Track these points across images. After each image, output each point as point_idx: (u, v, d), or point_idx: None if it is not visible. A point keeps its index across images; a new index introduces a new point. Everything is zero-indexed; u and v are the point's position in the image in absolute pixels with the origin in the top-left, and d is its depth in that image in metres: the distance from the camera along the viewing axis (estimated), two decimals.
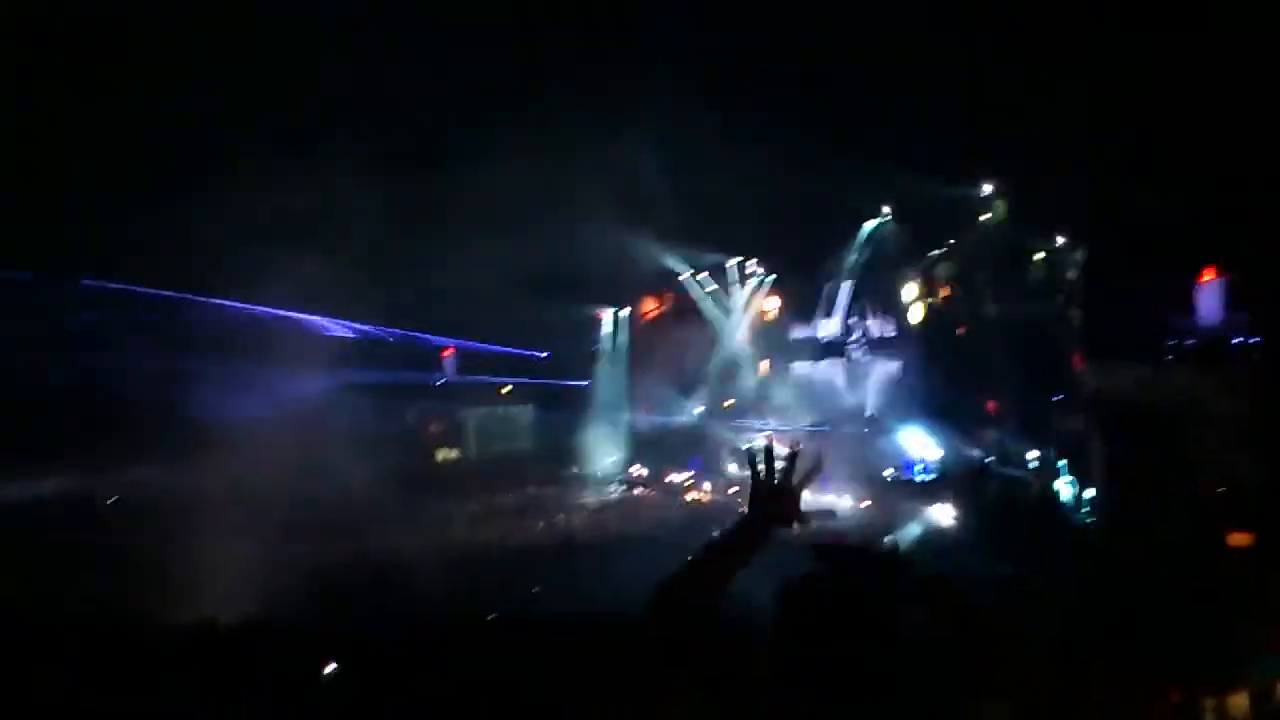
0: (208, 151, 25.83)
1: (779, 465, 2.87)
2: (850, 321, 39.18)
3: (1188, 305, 30.99)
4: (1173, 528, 21.82)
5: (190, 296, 29.70)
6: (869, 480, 32.69)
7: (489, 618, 18.47)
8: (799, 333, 39.95)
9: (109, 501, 29.26)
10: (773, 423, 37.04)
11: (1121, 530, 23.73)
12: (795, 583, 2.30)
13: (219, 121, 26.34)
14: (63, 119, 26.04)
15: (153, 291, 29.72)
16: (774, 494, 2.78)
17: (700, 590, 2.54)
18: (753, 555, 2.67)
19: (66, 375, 26.61)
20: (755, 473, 2.79)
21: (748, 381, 39.87)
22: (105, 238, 26.50)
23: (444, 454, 38.13)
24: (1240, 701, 16.21)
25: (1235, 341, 28.83)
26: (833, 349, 39.34)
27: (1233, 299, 30.26)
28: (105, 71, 25.82)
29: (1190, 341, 30.39)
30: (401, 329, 35.48)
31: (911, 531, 28.96)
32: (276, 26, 26.23)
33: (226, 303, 29.91)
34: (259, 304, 29.54)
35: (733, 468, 34.95)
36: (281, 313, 29.92)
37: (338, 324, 30.09)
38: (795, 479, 2.81)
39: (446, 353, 40.51)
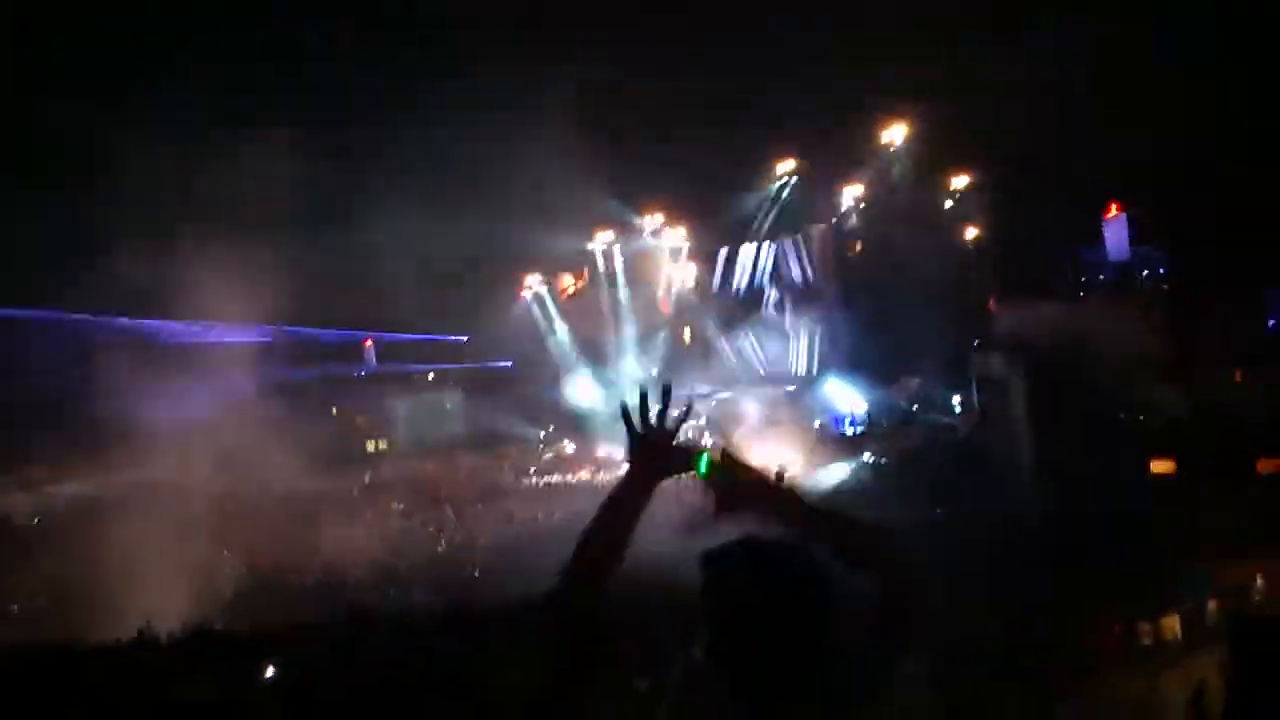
0: (102, 152, 25.10)
1: (652, 412, 2.77)
2: (766, 281, 39.36)
3: (1096, 241, 31.57)
4: (1096, 461, 22.22)
5: (93, 315, 29.05)
6: (799, 437, 32.88)
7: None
8: (717, 295, 40.04)
9: (33, 521, 28.63)
10: (700, 388, 37.19)
11: (1047, 467, 24.12)
12: (715, 549, 2.31)
13: (111, 117, 25.70)
14: None
15: (57, 314, 29.21)
16: (648, 441, 2.69)
17: (604, 550, 2.51)
18: (641, 507, 2.61)
19: None
20: (629, 423, 2.71)
21: (671, 349, 39.86)
22: None
23: (373, 445, 37.78)
24: (1172, 624, 16.69)
25: (1144, 275, 29.40)
26: (751, 310, 39.49)
27: (1138, 233, 30.87)
28: None
29: (1100, 277, 30.96)
30: (318, 326, 35.00)
31: (840, 480, 29.25)
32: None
33: (134, 320, 29.34)
34: (166, 316, 28.98)
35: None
36: (194, 324, 29.40)
37: (252, 328, 29.53)
38: (668, 424, 2.73)
39: (366, 344, 40.10)
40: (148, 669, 16.39)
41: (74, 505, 27.90)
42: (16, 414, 26.16)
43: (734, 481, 2.59)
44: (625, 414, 2.70)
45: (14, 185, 25.54)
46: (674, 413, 2.69)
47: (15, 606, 23.10)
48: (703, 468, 2.66)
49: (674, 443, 2.66)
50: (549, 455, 37.96)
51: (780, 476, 2.66)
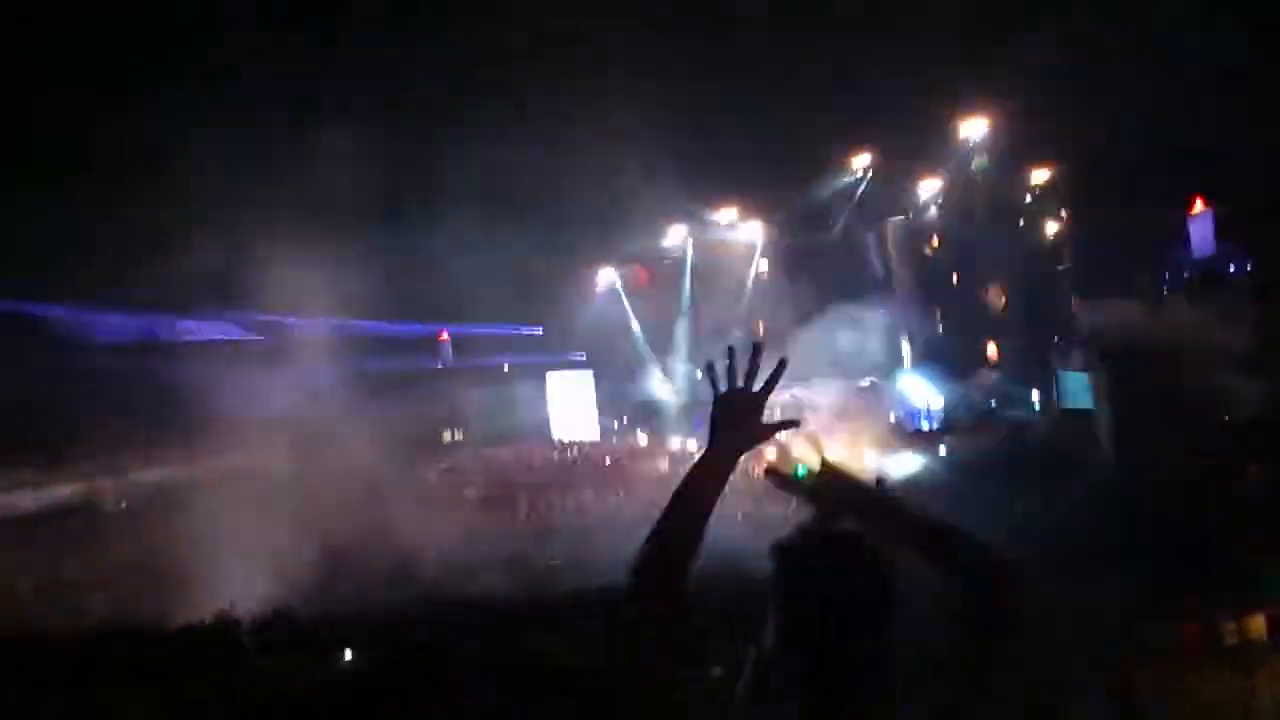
0: (170, 151, 25.54)
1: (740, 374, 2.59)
2: (843, 275, 39.07)
3: (1180, 239, 30.95)
4: (1181, 461, 21.84)
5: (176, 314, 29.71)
6: (875, 432, 32.68)
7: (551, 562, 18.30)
8: (791, 289, 39.85)
9: (120, 506, 29.33)
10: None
11: (1131, 466, 23.75)
12: (785, 540, 2.29)
13: (177, 113, 26.15)
14: None
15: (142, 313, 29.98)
16: (734, 402, 2.54)
17: (679, 539, 2.41)
18: (721, 483, 2.45)
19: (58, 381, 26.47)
20: (714, 382, 2.56)
21: (744, 342, 39.73)
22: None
23: (449, 434, 38.19)
24: (1258, 624, 16.32)
25: (1230, 271, 28.78)
26: (825, 303, 39.22)
27: (1222, 229, 30.21)
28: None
29: (1185, 274, 30.37)
30: (395, 320, 35.46)
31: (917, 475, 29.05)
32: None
33: (212, 314, 29.95)
34: (249, 310, 29.53)
35: None
36: (277, 318, 29.95)
37: (333, 322, 29.97)
38: (759, 384, 2.58)
39: (442, 337, 40.54)
40: (229, 651, 16.78)
41: (159, 492, 28.52)
42: (103, 402, 26.76)
43: (833, 490, 2.48)
44: (711, 371, 2.59)
45: (96, 181, 26.12)
46: (764, 376, 2.59)
47: (100, 591, 23.58)
48: (800, 473, 2.53)
49: (763, 408, 2.55)
50: (622, 446, 38.14)
51: (880, 483, 2.47)
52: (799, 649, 2.18)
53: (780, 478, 2.54)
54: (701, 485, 2.48)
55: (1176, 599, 16.51)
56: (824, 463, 2.57)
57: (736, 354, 2.59)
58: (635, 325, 41.26)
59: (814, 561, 2.20)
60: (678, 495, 2.48)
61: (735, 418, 2.56)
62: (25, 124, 25.29)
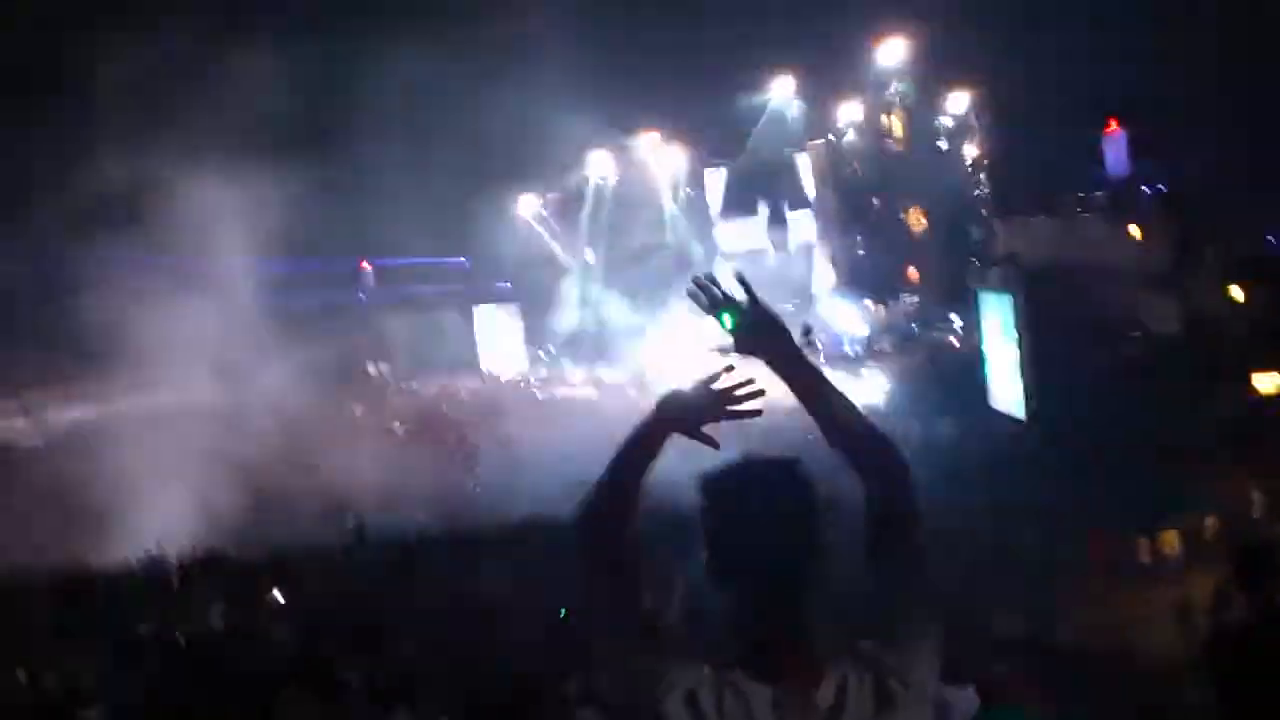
0: (88, 72, 24.78)
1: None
2: (762, 199, 39.14)
3: (1095, 158, 31.42)
4: (1099, 380, 22.33)
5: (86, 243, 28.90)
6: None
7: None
8: (713, 215, 39.91)
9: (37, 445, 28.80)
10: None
11: (1046, 387, 24.25)
12: (713, 472, 2.31)
13: (100, 34, 25.39)
14: None
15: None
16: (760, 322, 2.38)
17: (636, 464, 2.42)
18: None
19: None
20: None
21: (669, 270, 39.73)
22: None
23: (374, 368, 37.88)
24: (1171, 540, 16.88)
25: (1144, 190, 29.28)
26: (747, 229, 39.33)
27: (1137, 149, 30.70)
28: None
29: (1099, 194, 30.84)
30: (316, 253, 34.88)
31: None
32: None
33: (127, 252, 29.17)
34: (160, 248, 28.80)
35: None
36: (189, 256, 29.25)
37: (250, 254, 29.36)
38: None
39: (363, 265, 39.99)
40: (157, 591, 16.67)
41: (77, 429, 28.06)
42: (16, 338, 26.20)
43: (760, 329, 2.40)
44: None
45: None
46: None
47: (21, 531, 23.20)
48: (729, 323, 2.41)
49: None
50: (549, 376, 38.14)
51: (808, 332, 2.46)
52: (730, 580, 2.22)
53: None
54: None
55: (1092, 517, 16.99)
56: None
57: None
58: (560, 253, 41.05)
59: (742, 490, 2.23)
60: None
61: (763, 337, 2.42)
62: None
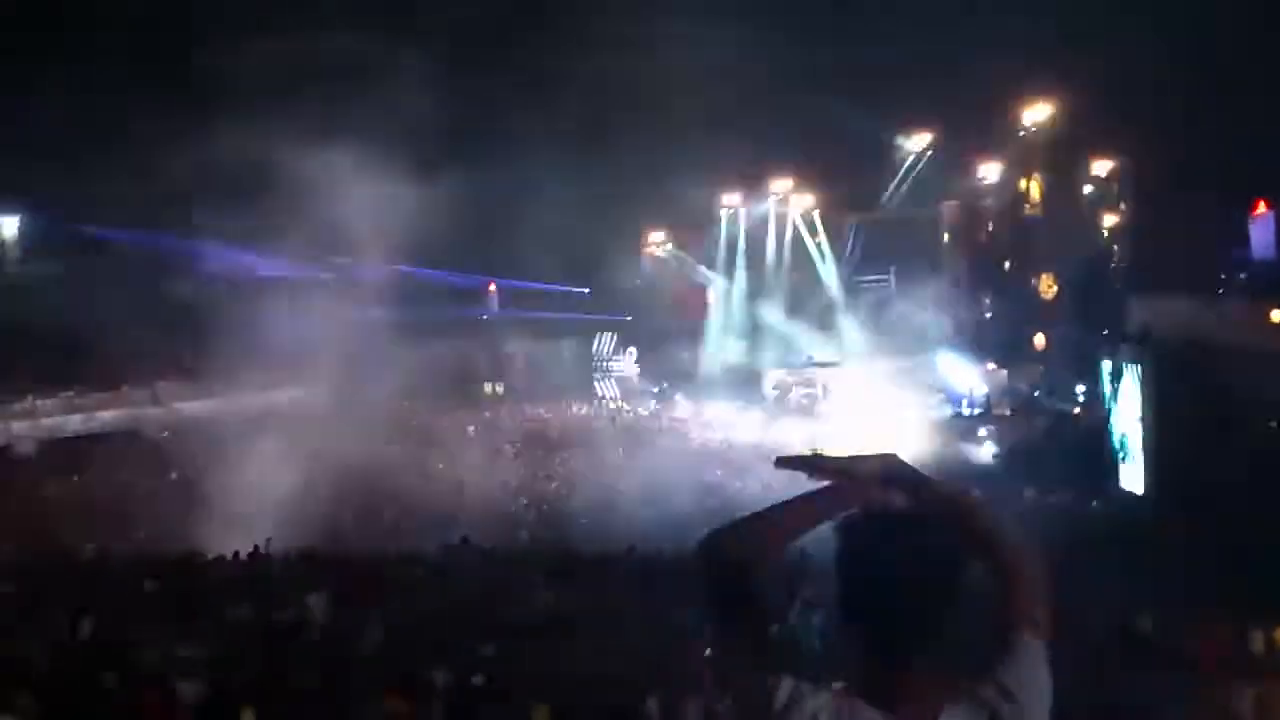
0: (236, 90, 25.81)
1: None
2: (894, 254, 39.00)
3: (1240, 239, 30.52)
4: (1228, 465, 21.57)
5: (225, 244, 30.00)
6: (916, 413, 32.65)
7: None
8: (842, 265, 39.83)
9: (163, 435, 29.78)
10: (820, 356, 37.22)
11: (1169, 464, 23.54)
12: (855, 518, 2.32)
13: (238, 53, 26.42)
14: None
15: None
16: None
17: (761, 536, 2.45)
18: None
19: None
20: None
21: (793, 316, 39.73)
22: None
23: (490, 388, 38.50)
24: None
25: None
26: (876, 281, 39.19)
27: None
28: None
29: (1243, 275, 29.94)
30: (446, 268, 35.73)
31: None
32: None
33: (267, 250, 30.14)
34: (298, 250, 29.70)
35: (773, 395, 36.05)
36: (326, 259, 30.20)
37: (383, 265, 30.15)
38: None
39: (490, 288, 40.79)
40: (260, 580, 17.05)
41: (205, 422, 28.96)
42: (152, 334, 27.15)
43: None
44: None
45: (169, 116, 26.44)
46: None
47: (142, 516, 24.00)
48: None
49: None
50: (660, 408, 38.33)
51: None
52: (859, 618, 2.25)
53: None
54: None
55: (1206, 605, 16.39)
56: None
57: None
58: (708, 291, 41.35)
59: (879, 540, 2.25)
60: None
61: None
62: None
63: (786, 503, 2.42)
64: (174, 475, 26.55)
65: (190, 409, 30.11)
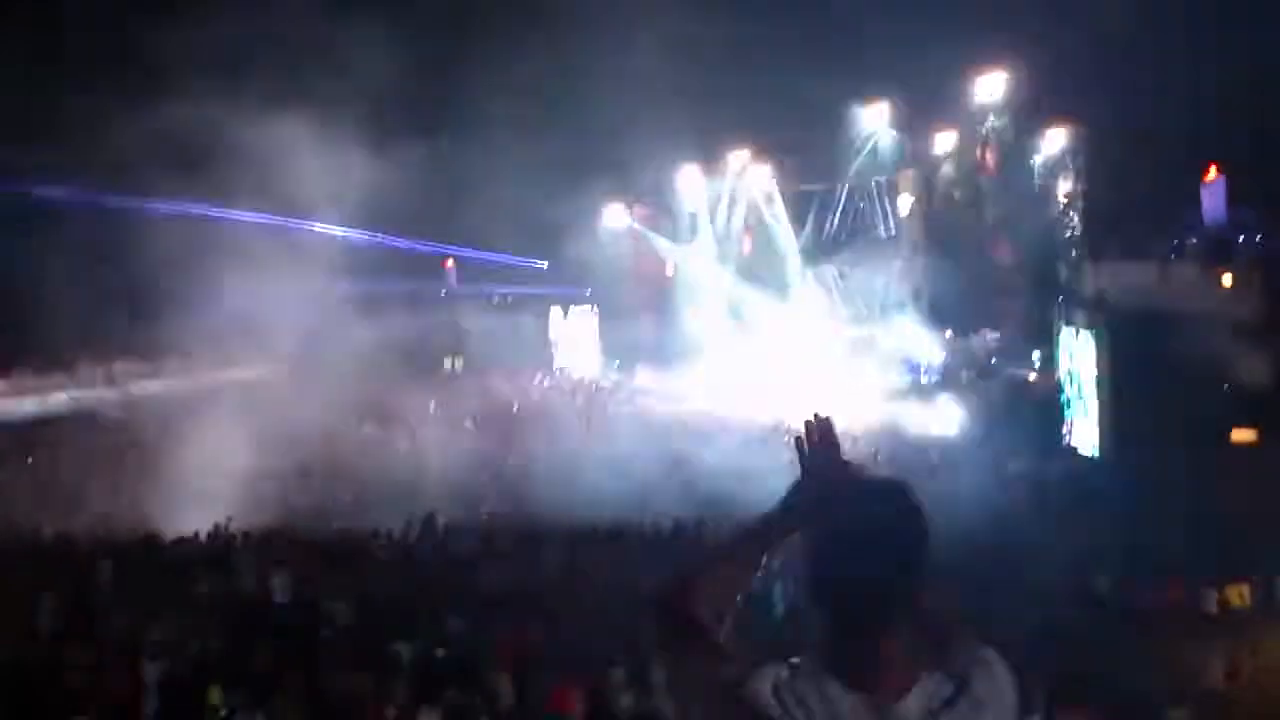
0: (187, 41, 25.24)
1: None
2: (852, 224, 39.17)
3: (1191, 204, 30.81)
4: (1177, 426, 21.88)
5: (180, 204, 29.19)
6: (875, 382, 32.95)
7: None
8: (800, 235, 39.89)
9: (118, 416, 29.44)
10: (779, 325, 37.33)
11: (1125, 428, 23.86)
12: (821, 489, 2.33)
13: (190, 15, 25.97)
14: None
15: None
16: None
17: (717, 586, 2.44)
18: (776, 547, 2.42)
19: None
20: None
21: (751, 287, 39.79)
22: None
23: (449, 361, 38.37)
24: (1240, 592, 16.46)
25: (1240, 240, 28.66)
26: (835, 251, 39.31)
27: (1236, 197, 30.06)
28: None
29: (1193, 240, 30.25)
30: (402, 236, 35.43)
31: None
32: None
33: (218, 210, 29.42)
34: (251, 209, 29.08)
35: None
36: (277, 218, 29.51)
37: (339, 242, 29.77)
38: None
39: (447, 264, 40.57)
40: (221, 559, 16.97)
41: (158, 401, 28.68)
42: (103, 311, 26.72)
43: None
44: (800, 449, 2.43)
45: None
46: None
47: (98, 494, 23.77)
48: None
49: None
50: (622, 380, 38.39)
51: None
52: (826, 594, 2.25)
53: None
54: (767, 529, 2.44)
55: (1160, 562, 16.67)
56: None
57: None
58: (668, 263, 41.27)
59: (852, 510, 2.26)
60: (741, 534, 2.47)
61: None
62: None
63: (729, 549, 2.41)
64: (130, 457, 26.21)
65: (146, 389, 29.83)
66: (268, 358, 27.67)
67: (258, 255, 25.93)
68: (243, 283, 24.85)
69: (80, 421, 28.86)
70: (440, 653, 10.44)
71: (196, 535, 18.82)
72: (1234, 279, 26.92)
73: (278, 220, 29.06)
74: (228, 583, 15.03)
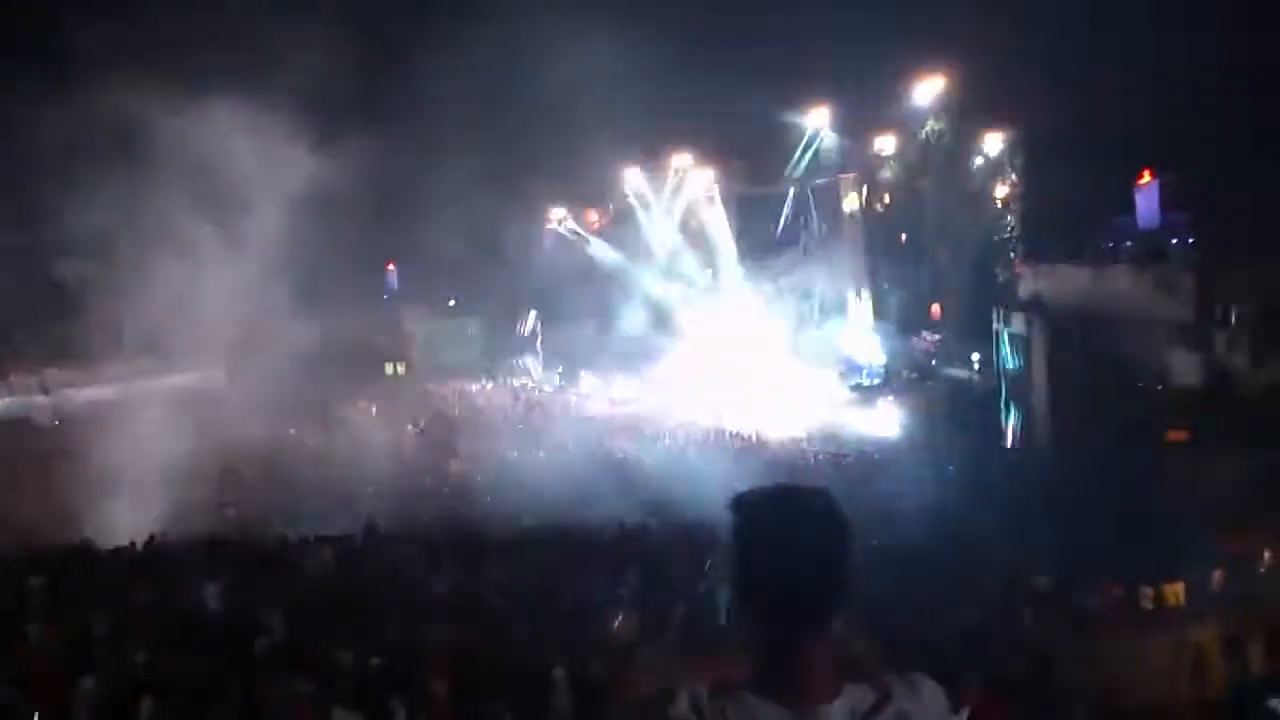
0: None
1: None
2: (794, 227, 39.36)
3: (1126, 208, 31.30)
4: (1113, 426, 22.21)
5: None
6: (818, 384, 33.16)
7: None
8: (743, 238, 40.02)
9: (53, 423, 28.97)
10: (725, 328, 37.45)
11: (1063, 430, 24.18)
12: (746, 496, 2.32)
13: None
14: None
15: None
16: None
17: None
18: None
19: None
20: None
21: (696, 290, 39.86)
22: None
23: (391, 367, 38.08)
24: (1175, 590, 16.70)
25: (1173, 243, 29.16)
26: (777, 254, 39.43)
27: (1170, 201, 30.56)
28: None
29: (1128, 244, 30.73)
30: (344, 246, 35.01)
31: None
32: None
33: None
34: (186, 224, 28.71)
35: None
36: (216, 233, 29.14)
37: (278, 244, 29.32)
38: None
39: (389, 266, 40.27)
40: (155, 569, 16.67)
41: (91, 409, 28.17)
42: (34, 317, 26.25)
43: None
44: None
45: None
46: None
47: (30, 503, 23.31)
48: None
49: None
50: (564, 384, 38.36)
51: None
52: (756, 598, 2.23)
53: None
54: None
55: (1097, 561, 16.87)
56: None
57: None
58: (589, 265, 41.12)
59: (778, 519, 2.24)
60: None
61: None
62: None
63: None
64: (65, 465, 25.74)
65: (81, 396, 29.32)
66: (208, 364, 27.27)
67: (192, 261, 25.58)
68: (181, 289, 24.52)
69: (11, 427, 28.32)
70: (375, 660, 10.32)
71: (132, 545, 18.51)
72: (1167, 282, 27.40)
73: (213, 228, 28.54)
74: (161, 592, 14.77)
